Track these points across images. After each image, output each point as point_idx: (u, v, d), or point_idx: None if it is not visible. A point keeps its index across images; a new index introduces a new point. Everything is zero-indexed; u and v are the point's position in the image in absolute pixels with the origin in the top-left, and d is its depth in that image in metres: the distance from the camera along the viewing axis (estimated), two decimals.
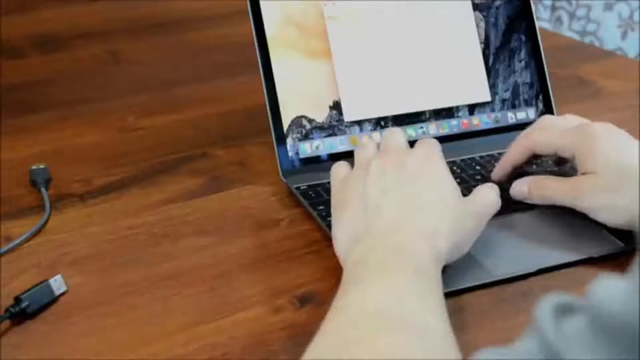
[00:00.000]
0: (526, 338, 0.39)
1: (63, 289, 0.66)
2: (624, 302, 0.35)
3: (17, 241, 0.73)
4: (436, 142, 0.69)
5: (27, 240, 0.73)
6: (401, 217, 0.63)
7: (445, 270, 0.64)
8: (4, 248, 0.72)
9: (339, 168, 0.71)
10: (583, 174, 0.72)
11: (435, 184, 0.66)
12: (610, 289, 0.36)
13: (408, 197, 0.64)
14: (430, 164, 0.67)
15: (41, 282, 0.65)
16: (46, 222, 0.76)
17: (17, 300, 0.63)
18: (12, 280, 0.68)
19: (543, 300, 0.40)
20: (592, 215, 0.72)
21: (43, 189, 0.80)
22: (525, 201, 0.76)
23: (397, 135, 0.72)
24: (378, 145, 0.72)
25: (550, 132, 0.76)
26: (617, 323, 0.35)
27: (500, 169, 0.80)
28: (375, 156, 0.69)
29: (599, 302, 0.36)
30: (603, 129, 0.73)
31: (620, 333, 0.35)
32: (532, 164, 0.81)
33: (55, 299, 0.66)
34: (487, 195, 0.69)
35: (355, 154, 0.71)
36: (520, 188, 0.76)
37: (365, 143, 0.72)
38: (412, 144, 0.70)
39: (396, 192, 0.64)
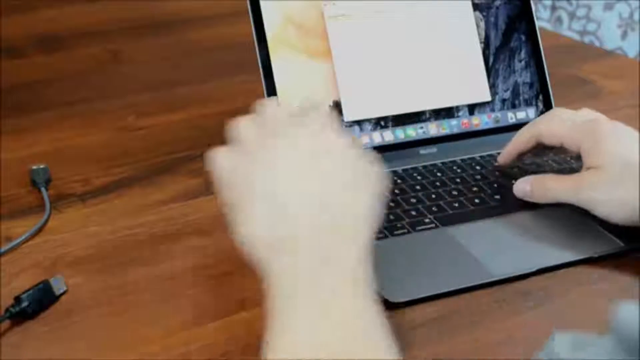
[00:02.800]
0: None
1: (63, 289, 0.66)
2: None
3: (17, 241, 0.73)
4: (328, 110, 0.60)
5: (27, 240, 0.73)
6: (314, 214, 0.54)
7: (444, 270, 0.64)
8: (4, 248, 0.72)
9: (220, 156, 0.58)
10: (587, 168, 0.72)
11: (336, 161, 0.56)
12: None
13: (314, 185, 0.55)
14: (323, 139, 0.57)
15: (41, 282, 0.65)
16: (46, 222, 0.76)
17: (17, 300, 0.63)
18: (12, 280, 0.68)
19: None
20: (593, 209, 0.71)
21: (43, 189, 0.80)
22: (527, 199, 0.76)
23: (273, 106, 0.60)
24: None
25: (558, 123, 0.76)
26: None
27: (505, 153, 0.81)
28: (259, 134, 0.57)
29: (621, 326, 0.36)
30: (610, 125, 0.74)
31: None
32: (540, 157, 0.82)
33: (55, 299, 0.66)
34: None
35: (231, 135, 0.59)
36: (523, 186, 0.76)
37: (242, 122, 0.59)
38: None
39: (299, 182, 0.55)
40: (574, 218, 0.74)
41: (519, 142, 0.79)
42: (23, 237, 0.73)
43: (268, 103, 0.60)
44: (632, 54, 1.84)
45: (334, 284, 0.52)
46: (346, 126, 0.84)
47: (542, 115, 0.80)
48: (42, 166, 0.83)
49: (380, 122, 0.85)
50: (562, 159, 0.84)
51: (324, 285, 0.52)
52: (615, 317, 0.36)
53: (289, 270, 0.53)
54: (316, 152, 0.56)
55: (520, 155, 0.80)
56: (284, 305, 0.52)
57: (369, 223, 0.55)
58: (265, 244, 0.54)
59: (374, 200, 0.56)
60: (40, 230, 0.75)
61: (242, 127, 0.59)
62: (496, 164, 0.82)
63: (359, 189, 0.56)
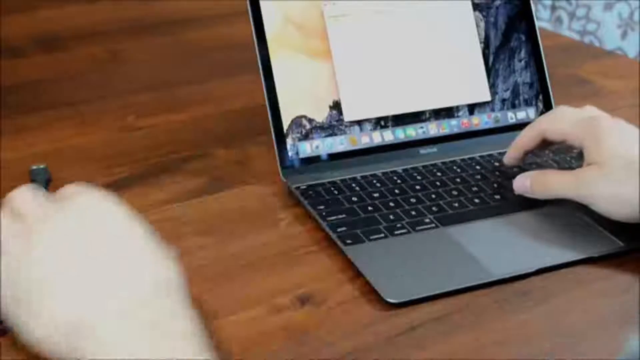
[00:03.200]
0: None
1: None
2: None
3: None
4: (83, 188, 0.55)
5: None
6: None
7: (443, 270, 0.64)
8: None
9: None
10: (589, 165, 0.72)
11: (114, 227, 0.53)
12: None
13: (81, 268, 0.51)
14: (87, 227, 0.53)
15: None
16: None
17: None
18: None
19: None
20: (593, 205, 0.71)
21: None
22: (527, 195, 0.76)
23: (24, 192, 0.56)
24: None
25: (562, 119, 0.77)
26: None
27: (512, 153, 0.81)
28: (13, 222, 0.54)
29: None
30: (612, 122, 0.74)
31: None
32: (540, 157, 0.82)
33: None
34: None
35: (4, 207, 0.55)
36: (523, 181, 0.76)
37: (19, 194, 0.56)
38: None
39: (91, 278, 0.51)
40: (574, 218, 0.74)
41: (524, 140, 0.79)
42: None
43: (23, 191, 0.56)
44: (632, 54, 1.84)
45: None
46: (346, 126, 0.84)
47: (547, 113, 0.81)
48: (42, 166, 0.83)
49: (380, 122, 0.85)
50: (562, 159, 0.84)
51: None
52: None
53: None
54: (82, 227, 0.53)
55: (526, 154, 0.80)
56: None
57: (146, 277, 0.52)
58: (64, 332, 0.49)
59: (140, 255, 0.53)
60: None
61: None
62: (503, 163, 0.82)
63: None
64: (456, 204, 0.77)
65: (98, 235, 0.53)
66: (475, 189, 0.80)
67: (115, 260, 0.52)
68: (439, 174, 0.82)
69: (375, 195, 0.78)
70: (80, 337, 0.49)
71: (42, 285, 0.51)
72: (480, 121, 0.89)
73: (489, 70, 0.89)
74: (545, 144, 0.79)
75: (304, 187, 0.79)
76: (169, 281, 0.52)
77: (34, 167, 0.83)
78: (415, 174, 0.82)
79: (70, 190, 0.56)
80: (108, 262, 0.52)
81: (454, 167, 0.83)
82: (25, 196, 0.55)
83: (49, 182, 0.82)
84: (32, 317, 0.51)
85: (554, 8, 1.93)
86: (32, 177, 0.82)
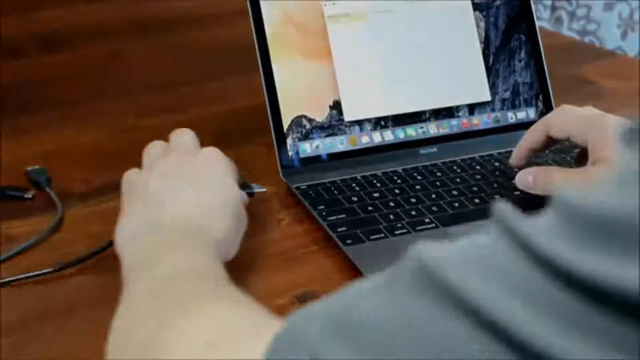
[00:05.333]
0: (485, 232, 0.37)
1: None
2: (603, 194, 0.34)
3: (33, 240, 0.73)
4: (217, 150, 0.71)
5: (48, 237, 0.74)
6: (181, 212, 0.63)
7: None
8: (15, 250, 0.72)
9: (129, 172, 0.70)
10: (593, 162, 0.72)
11: (215, 185, 0.67)
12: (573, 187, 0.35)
13: (190, 197, 0.65)
14: (211, 167, 0.68)
15: None
16: (60, 220, 0.77)
17: None
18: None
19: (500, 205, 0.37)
20: None
21: (47, 188, 0.80)
22: (528, 191, 0.76)
23: (184, 135, 0.72)
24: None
25: (567, 116, 0.77)
26: (592, 214, 0.33)
27: (517, 152, 0.80)
28: (161, 156, 0.69)
29: (568, 198, 0.34)
30: (617, 119, 0.74)
31: (594, 223, 0.33)
32: (541, 157, 0.82)
33: None
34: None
35: (143, 156, 0.71)
36: (525, 177, 0.76)
37: (153, 144, 0.72)
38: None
39: (179, 190, 0.65)
40: None
41: (530, 138, 0.79)
42: (43, 236, 0.74)
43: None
44: (632, 54, 1.84)
45: (176, 257, 0.59)
46: (346, 126, 0.84)
47: (551, 112, 0.81)
48: (36, 167, 0.83)
49: (380, 122, 0.85)
50: (562, 159, 0.84)
51: (164, 258, 0.59)
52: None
53: (138, 248, 0.61)
54: (196, 174, 0.67)
55: (532, 152, 0.80)
56: (126, 279, 0.58)
57: (222, 236, 0.64)
58: (127, 232, 0.63)
59: (232, 225, 0.65)
60: (58, 227, 0.75)
61: (151, 145, 0.72)
62: (508, 163, 0.82)
63: (214, 196, 0.66)
64: (456, 204, 0.77)
65: (201, 173, 0.68)
66: (475, 189, 0.80)
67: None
68: (439, 174, 0.82)
69: (375, 195, 0.78)
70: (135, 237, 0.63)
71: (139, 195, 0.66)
72: (480, 121, 0.89)
73: (489, 70, 0.89)
74: (549, 142, 0.78)
75: (304, 187, 0.79)
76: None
77: (29, 169, 0.83)
78: (415, 174, 0.82)
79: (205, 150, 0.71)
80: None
81: (454, 167, 0.83)
82: (178, 137, 0.72)
83: (49, 182, 0.82)
84: (121, 220, 0.66)
85: (554, 8, 1.93)
86: (32, 178, 0.82)
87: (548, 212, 0.35)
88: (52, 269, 0.69)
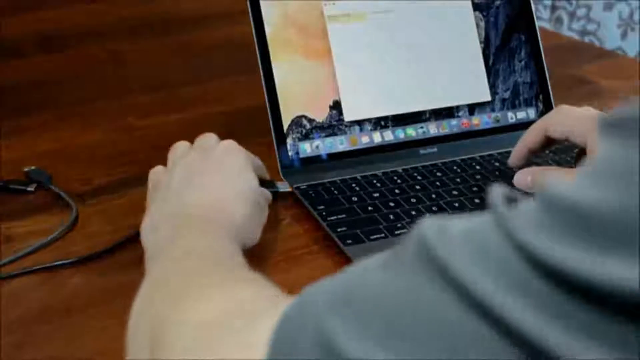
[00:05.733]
0: (483, 215, 0.39)
1: None
2: (577, 186, 0.35)
3: (51, 237, 0.73)
4: (234, 142, 0.73)
5: (59, 237, 0.74)
6: (200, 200, 0.66)
7: None
8: (20, 253, 0.72)
9: (154, 170, 0.73)
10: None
11: (233, 175, 0.69)
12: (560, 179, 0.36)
13: (208, 187, 0.68)
14: (229, 157, 0.71)
15: None
16: (76, 218, 0.77)
17: None
18: (12, 280, 0.68)
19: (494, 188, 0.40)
20: None
21: (53, 187, 0.80)
22: (527, 191, 0.76)
23: (208, 137, 0.74)
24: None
25: (566, 116, 0.77)
26: (569, 204, 0.35)
27: (516, 153, 0.80)
28: (185, 155, 0.72)
29: (551, 188, 0.36)
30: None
31: (572, 214, 0.34)
32: (541, 157, 0.82)
33: None
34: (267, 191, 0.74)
35: (168, 156, 0.74)
36: (524, 177, 0.76)
37: (178, 144, 0.75)
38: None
39: (197, 182, 0.68)
40: None
41: (528, 139, 0.79)
42: (53, 236, 0.74)
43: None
44: (632, 54, 1.84)
45: (193, 238, 0.61)
46: (346, 126, 0.84)
47: (549, 112, 0.80)
48: (33, 168, 0.83)
49: (380, 122, 0.85)
50: (562, 159, 0.84)
51: (181, 243, 0.60)
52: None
53: (157, 238, 0.62)
54: (216, 166, 0.70)
55: (531, 153, 0.80)
56: (147, 268, 0.59)
57: (240, 223, 0.66)
58: (150, 223, 0.65)
59: (249, 214, 0.67)
60: (73, 226, 0.76)
61: (176, 145, 0.75)
62: (507, 164, 0.82)
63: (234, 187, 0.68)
64: (456, 204, 0.77)
65: (220, 164, 0.70)
66: (475, 189, 0.80)
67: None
68: (439, 174, 0.82)
69: (375, 195, 0.78)
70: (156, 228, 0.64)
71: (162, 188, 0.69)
72: (480, 121, 0.89)
73: (489, 70, 0.89)
74: (547, 142, 0.78)
75: (304, 187, 0.79)
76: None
77: (25, 169, 0.83)
78: (415, 174, 0.82)
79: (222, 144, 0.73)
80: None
81: (454, 167, 0.83)
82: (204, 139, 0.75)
83: (51, 180, 0.83)
84: (146, 214, 0.68)
85: (554, 8, 1.93)
86: (32, 178, 0.82)
87: (530, 201, 0.37)
88: (67, 261, 0.70)
